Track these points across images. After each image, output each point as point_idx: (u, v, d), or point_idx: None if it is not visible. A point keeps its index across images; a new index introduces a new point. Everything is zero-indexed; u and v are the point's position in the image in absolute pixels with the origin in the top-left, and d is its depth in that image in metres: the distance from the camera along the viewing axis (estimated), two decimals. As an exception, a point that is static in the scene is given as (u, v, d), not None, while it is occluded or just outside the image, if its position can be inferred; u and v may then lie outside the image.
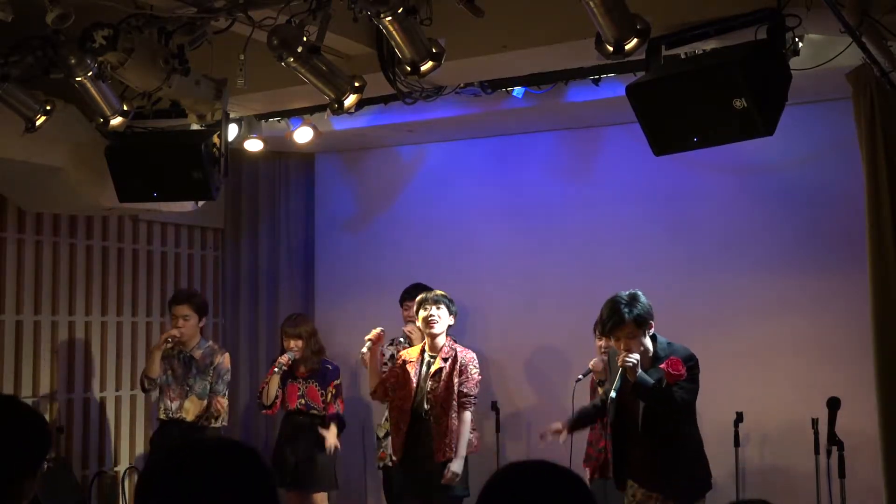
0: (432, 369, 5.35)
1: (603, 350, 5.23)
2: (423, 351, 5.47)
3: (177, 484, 1.67)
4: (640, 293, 4.53)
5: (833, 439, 4.60)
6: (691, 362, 4.47)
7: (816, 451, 4.98)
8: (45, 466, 2.24)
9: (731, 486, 5.42)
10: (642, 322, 4.45)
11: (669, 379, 4.38)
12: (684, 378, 4.40)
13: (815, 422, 5.00)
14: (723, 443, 5.36)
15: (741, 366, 5.74)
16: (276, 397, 6.13)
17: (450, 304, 5.44)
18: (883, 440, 4.46)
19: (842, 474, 4.58)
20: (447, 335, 5.48)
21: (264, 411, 6.24)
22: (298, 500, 6.15)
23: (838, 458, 4.59)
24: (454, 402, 5.31)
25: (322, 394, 6.12)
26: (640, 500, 4.56)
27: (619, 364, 4.42)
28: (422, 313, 5.40)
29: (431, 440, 5.27)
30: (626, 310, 4.43)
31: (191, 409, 5.94)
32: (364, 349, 5.57)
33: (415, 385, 5.36)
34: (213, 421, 5.95)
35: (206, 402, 5.96)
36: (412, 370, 5.40)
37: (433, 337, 5.41)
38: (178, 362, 6.01)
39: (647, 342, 4.50)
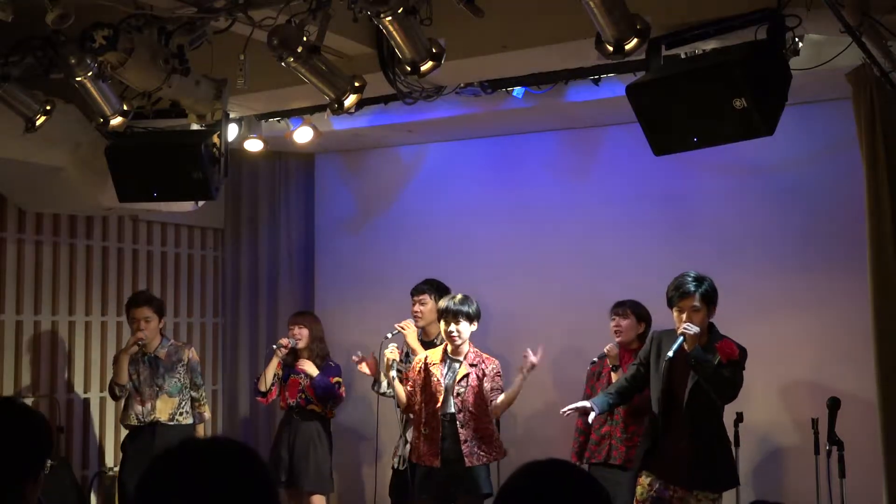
0: (459, 374, 5.30)
1: (615, 330, 5.39)
2: (445, 354, 5.39)
3: (176, 486, 1.66)
4: (708, 277, 4.70)
5: (833, 439, 4.61)
6: (744, 354, 4.62)
7: (816, 451, 4.98)
8: (48, 466, 2.22)
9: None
10: (708, 299, 4.64)
11: (723, 356, 4.51)
12: (736, 359, 4.54)
13: (815, 422, 4.99)
14: (723, 443, 5.36)
15: (741, 366, 5.73)
16: (273, 385, 6.15)
17: (470, 313, 5.31)
18: (883, 440, 4.46)
19: (842, 474, 4.59)
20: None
21: (259, 398, 6.26)
22: (294, 499, 6.16)
23: (838, 458, 4.60)
24: (487, 407, 5.29)
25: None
26: (658, 490, 4.60)
27: (679, 332, 4.56)
28: (443, 325, 5.34)
29: (459, 444, 5.24)
30: (695, 284, 4.63)
31: (164, 409, 5.92)
32: (394, 373, 5.42)
33: (443, 388, 5.31)
34: (190, 418, 5.98)
35: (177, 399, 5.95)
36: (437, 372, 5.34)
37: (456, 346, 5.37)
38: (144, 365, 5.96)
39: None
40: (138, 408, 5.92)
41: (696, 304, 4.60)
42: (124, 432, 6.60)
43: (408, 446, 5.69)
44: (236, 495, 1.66)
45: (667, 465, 4.65)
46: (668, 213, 6.13)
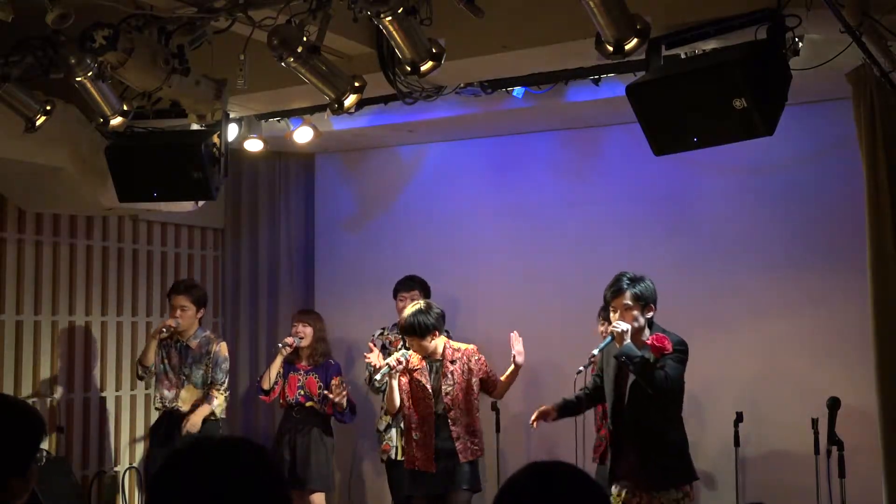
0: (441, 373, 5.32)
1: (604, 336, 5.26)
2: (424, 357, 5.39)
3: (188, 484, 1.67)
4: (648, 278, 4.65)
5: (833, 439, 4.61)
6: (680, 347, 4.54)
7: (816, 451, 4.98)
8: (42, 459, 2.20)
9: (732, 486, 5.42)
10: (641, 299, 4.58)
11: (654, 351, 4.46)
12: (669, 353, 4.47)
13: (815, 422, 5.00)
14: (723, 443, 5.36)
15: (741, 366, 5.74)
16: (276, 383, 6.16)
17: (423, 326, 5.23)
18: (883, 440, 4.46)
19: (842, 474, 4.59)
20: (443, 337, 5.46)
21: (262, 396, 6.28)
22: (296, 498, 6.17)
23: (838, 458, 4.60)
24: (475, 401, 5.33)
25: (320, 386, 6.15)
26: (625, 500, 4.58)
27: (609, 331, 4.55)
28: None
29: (451, 441, 5.25)
30: (628, 283, 4.60)
31: (187, 399, 6.01)
32: (383, 372, 5.35)
33: (431, 391, 5.30)
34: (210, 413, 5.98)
35: (202, 391, 6.03)
36: (422, 376, 5.33)
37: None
38: (175, 351, 6.08)
39: (645, 328, 4.59)
40: (164, 391, 6.05)
41: (628, 302, 4.56)
42: (125, 432, 6.65)
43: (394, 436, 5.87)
44: (247, 494, 1.67)
45: (625, 470, 4.60)
46: (668, 213, 6.13)
